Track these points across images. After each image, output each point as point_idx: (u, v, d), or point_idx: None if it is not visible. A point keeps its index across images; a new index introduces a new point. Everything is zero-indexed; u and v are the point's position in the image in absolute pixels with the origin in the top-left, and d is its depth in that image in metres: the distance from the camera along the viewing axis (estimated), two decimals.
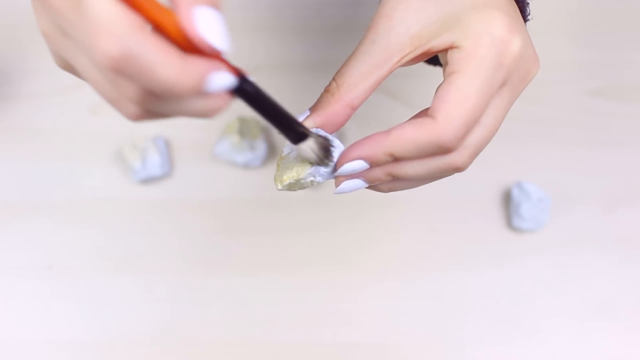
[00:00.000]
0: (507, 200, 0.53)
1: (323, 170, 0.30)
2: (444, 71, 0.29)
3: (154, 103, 0.23)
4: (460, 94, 0.27)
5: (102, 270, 0.51)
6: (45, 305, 0.50)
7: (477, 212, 0.53)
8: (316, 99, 0.31)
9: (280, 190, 0.31)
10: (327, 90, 0.30)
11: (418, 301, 0.50)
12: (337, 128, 0.30)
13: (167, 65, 0.21)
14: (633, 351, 0.49)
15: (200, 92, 0.23)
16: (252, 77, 0.25)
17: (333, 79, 0.30)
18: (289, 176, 0.30)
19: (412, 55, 0.29)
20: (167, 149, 0.54)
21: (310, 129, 0.29)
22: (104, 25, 0.20)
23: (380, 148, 0.28)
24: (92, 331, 0.49)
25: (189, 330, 0.49)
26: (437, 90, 0.28)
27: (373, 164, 0.29)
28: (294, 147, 0.29)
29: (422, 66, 0.35)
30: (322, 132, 0.30)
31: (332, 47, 0.57)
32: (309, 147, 0.29)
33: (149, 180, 0.53)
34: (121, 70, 0.21)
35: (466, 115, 0.27)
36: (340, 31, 0.57)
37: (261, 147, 0.53)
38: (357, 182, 0.30)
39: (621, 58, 0.57)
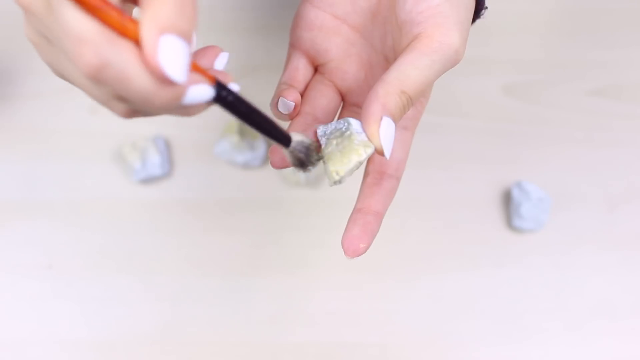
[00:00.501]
0: (507, 200, 0.53)
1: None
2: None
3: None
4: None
5: (102, 270, 0.51)
6: (45, 305, 0.50)
7: (477, 212, 0.53)
8: None
9: (335, 182, 0.29)
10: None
11: (418, 301, 0.50)
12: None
13: (144, 77, 0.21)
14: (633, 351, 0.49)
15: (178, 104, 0.22)
16: (234, 85, 0.24)
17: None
18: (342, 163, 0.29)
19: None
20: (167, 149, 0.54)
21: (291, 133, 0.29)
22: (80, 35, 0.20)
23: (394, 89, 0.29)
24: (93, 331, 0.49)
25: (189, 330, 0.49)
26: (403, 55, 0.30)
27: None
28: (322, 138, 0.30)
29: None
30: (303, 136, 0.30)
31: None
32: (293, 149, 0.29)
33: (149, 180, 0.53)
34: (100, 80, 0.21)
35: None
36: None
37: (261, 147, 0.53)
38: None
39: (621, 58, 0.57)
